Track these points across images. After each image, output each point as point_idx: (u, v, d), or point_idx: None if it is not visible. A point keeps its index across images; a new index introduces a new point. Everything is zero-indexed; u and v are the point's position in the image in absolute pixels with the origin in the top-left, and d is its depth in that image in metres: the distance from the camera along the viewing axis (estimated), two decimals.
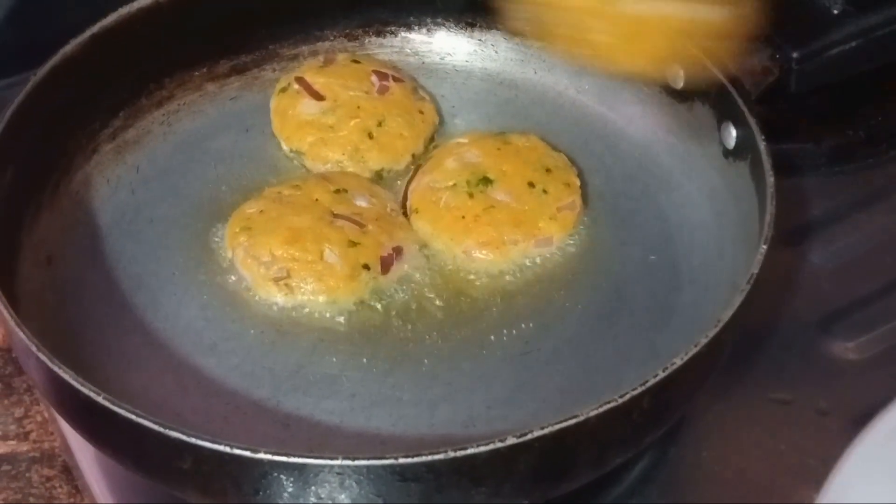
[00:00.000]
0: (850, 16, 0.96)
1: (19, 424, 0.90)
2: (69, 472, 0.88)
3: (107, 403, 0.71)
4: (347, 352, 0.87)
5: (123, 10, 0.96)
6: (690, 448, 0.87)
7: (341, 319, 0.88)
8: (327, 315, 0.89)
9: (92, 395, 0.72)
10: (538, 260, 0.92)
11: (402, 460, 0.69)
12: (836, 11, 0.96)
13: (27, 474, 0.87)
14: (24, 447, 0.89)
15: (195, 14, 1.00)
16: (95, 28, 0.94)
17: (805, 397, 0.90)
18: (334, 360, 0.86)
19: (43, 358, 0.74)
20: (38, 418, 0.90)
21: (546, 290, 0.91)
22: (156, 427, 0.70)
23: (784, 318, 0.95)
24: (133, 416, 0.70)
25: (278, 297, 0.89)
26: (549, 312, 0.89)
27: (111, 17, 0.95)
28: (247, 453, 0.69)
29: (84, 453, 0.86)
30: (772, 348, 0.93)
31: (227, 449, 0.69)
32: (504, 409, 0.84)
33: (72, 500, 0.86)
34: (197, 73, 1.02)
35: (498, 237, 0.92)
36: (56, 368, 0.73)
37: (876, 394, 0.90)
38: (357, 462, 0.69)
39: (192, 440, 0.70)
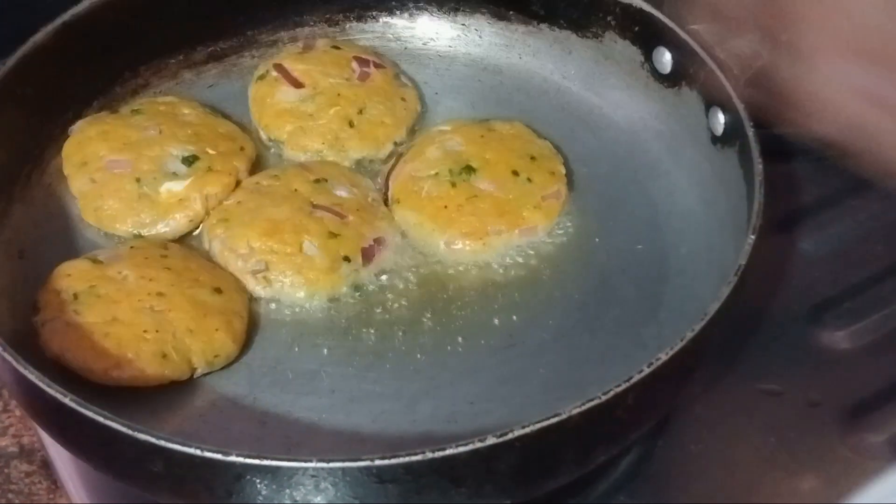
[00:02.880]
0: None
1: None
2: (49, 467, 0.87)
3: (73, 405, 0.70)
4: (327, 346, 0.85)
5: None
6: (678, 442, 0.86)
7: (321, 313, 0.87)
8: (307, 308, 0.87)
9: (58, 396, 0.70)
10: (523, 250, 0.91)
11: (378, 462, 0.68)
12: None
13: (6, 470, 0.87)
14: (4, 442, 0.88)
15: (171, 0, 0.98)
16: (67, 16, 0.93)
17: (796, 388, 0.89)
18: (313, 355, 0.85)
19: (9, 358, 0.72)
20: (18, 412, 0.89)
21: (531, 282, 0.89)
22: (124, 429, 0.69)
23: (774, 307, 0.94)
24: (100, 419, 0.69)
25: (256, 291, 0.87)
26: (534, 304, 0.88)
27: (83, 4, 0.94)
28: (218, 456, 0.68)
29: (59, 450, 0.85)
30: (761, 338, 0.92)
31: (198, 451, 0.68)
32: (487, 405, 0.82)
33: (52, 496, 0.85)
34: (173, 61, 1.01)
35: (481, 227, 0.90)
36: (22, 369, 0.72)
37: (869, 384, 0.90)
38: (332, 464, 0.68)
39: (162, 443, 0.68)
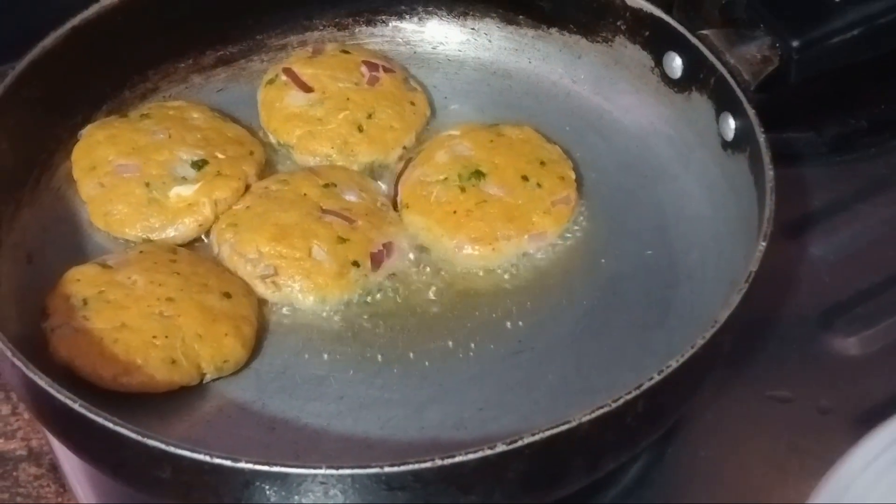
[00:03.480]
0: (852, 3, 0.94)
1: (6, 422, 0.89)
2: (57, 470, 0.87)
3: (83, 411, 0.70)
4: (335, 352, 0.85)
5: (105, 1, 0.94)
6: (687, 448, 0.86)
7: (330, 318, 0.87)
8: (315, 314, 0.87)
9: (68, 401, 0.70)
10: (532, 255, 0.90)
11: (387, 469, 0.68)
12: None
13: (14, 473, 0.86)
14: (12, 445, 0.88)
15: (180, 4, 0.98)
16: (76, 20, 0.93)
17: (805, 395, 0.89)
18: (322, 360, 0.85)
19: (18, 363, 0.72)
20: (26, 416, 0.89)
21: (540, 287, 0.89)
22: (133, 435, 0.69)
23: (784, 312, 0.93)
24: (110, 424, 0.69)
25: (265, 296, 0.87)
26: (543, 310, 0.88)
27: (92, 9, 0.93)
28: (227, 462, 0.68)
29: (68, 453, 0.85)
30: (771, 344, 0.91)
31: (207, 458, 0.68)
32: (496, 411, 0.82)
33: (60, 499, 0.85)
34: (182, 65, 1.00)
35: (490, 232, 0.90)
36: (31, 374, 0.72)
37: (879, 391, 0.89)
38: (341, 471, 0.68)
39: (171, 449, 0.68)
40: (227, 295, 0.85)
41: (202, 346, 0.82)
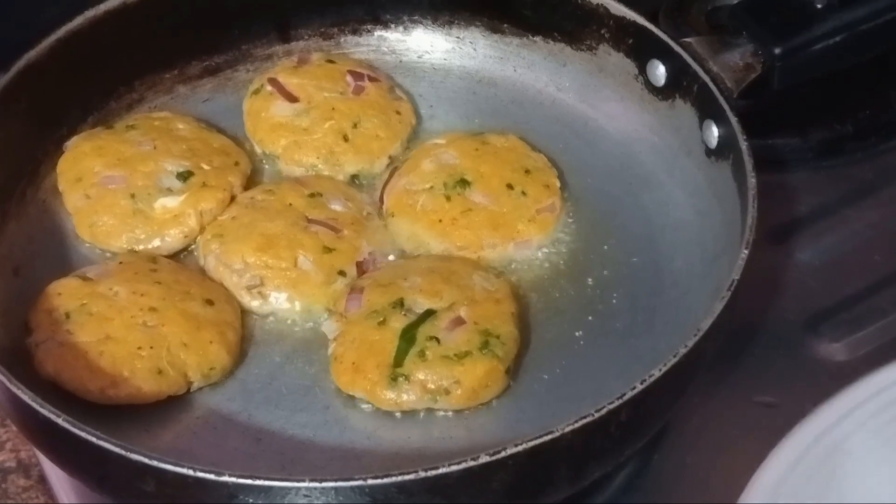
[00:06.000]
0: (834, 10, 0.94)
1: None
2: (45, 481, 0.86)
3: (66, 425, 0.70)
4: (322, 362, 0.85)
5: (89, 13, 0.94)
6: (674, 454, 0.86)
7: (316, 328, 0.87)
8: (302, 323, 0.87)
9: (51, 416, 0.70)
10: (517, 263, 0.91)
11: (370, 481, 0.68)
12: (819, 6, 0.94)
13: (3, 484, 0.86)
14: (1, 457, 0.88)
15: (165, 14, 0.98)
16: (61, 31, 0.93)
17: (791, 400, 0.88)
18: (308, 370, 0.85)
19: (1, 378, 0.73)
20: (14, 428, 0.89)
21: (525, 295, 0.89)
22: (117, 449, 0.69)
23: (769, 317, 0.93)
24: (93, 438, 0.69)
25: (251, 306, 0.87)
26: (528, 318, 0.88)
27: (77, 21, 0.94)
28: (210, 476, 0.68)
29: (54, 466, 0.85)
30: (757, 349, 0.91)
31: (191, 472, 0.68)
32: (482, 419, 0.82)
33: None
34: (168, 75, 1.00)
35: (476, 240, 0.90)
36: (14, 389, 0.72)
37: None
38: (324, 484, 0.68)
39: (154, 462, 0.68)
40: (210, 302, 0.85)
41: (188, 355, 0.82)
